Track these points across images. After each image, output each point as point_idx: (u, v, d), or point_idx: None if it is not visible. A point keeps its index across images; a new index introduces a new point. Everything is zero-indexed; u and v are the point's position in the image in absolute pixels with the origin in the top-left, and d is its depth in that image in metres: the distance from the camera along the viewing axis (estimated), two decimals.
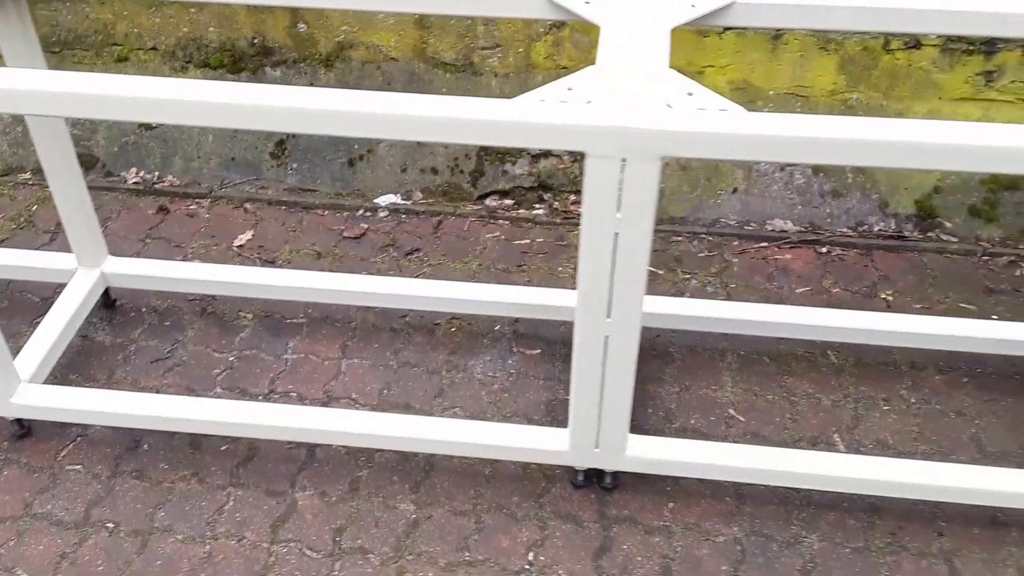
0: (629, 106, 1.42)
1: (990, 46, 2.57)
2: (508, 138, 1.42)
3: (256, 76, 2.92)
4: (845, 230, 2.65)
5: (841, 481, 1.86)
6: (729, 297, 2.46)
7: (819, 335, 2.23)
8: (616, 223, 1.51)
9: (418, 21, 2.79)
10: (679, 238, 2.66)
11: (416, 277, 2.52)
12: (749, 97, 2.72)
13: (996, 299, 2.43)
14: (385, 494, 1.98)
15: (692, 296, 2.46)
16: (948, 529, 1.90)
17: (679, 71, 1.50)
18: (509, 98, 1.43)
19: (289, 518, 1.92)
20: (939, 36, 2.57)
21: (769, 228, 2.67)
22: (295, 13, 2.84)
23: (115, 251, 2.53)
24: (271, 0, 1.89)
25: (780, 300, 2.44)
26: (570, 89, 1.46)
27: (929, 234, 2.63)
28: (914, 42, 2.59)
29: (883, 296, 2.45)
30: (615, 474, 1.98)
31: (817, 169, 2.71)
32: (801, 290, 2.48)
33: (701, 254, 2.61)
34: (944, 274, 2.51)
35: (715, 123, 1.39)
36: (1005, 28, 1.69)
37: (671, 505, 1.96)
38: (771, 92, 2.72)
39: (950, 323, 2.20)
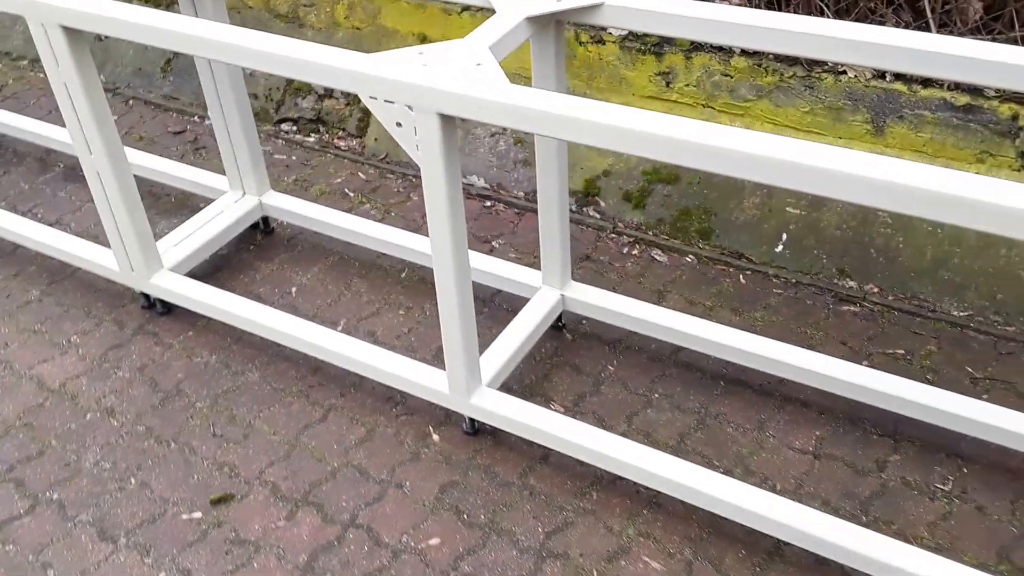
0: None
1: (659, 48, 2.85)
2: None
3: (171, 8, 3.82)
4: (520, 194, 3.04)
5: (289, 338, 2.37)
6: (381, 220, 2.96)
7: (399, 253, 2.68)
8: (59, 75, 2.18)
9: None
10: (390, 176, 3.19)
11: (179, 161, 3.25)
12: None
13: (584, 264, 2.73)
14: (23, 279, 2.77)
15: (355, 215, 2.98)
16: (358, 388, 2.34)
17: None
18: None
19: None
20: (610, 33, 2.90)
21: (464, 181, 3.12)
22: None
23: (25, 113, 3.54)
24: None
25: (415, 229, 2.90)
26: None
27: (585, 209, 2.95)
28: (599, 37, 2.93)
29: (491, 243, 2.84)
30: (166, 304, 2.61)
31: (518, 140, 3.11)
32: None
33: (394, 188, 3.12)
34: None
35: None
36: None
37: (190, 334, 2.56)
38: (504, 71, 3.16)
39: (485, 260, 2.56)
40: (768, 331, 2.46)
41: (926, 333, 2.42)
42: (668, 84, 2.89)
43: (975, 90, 2.49)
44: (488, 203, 3.02)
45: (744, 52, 2.76)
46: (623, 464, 1.99)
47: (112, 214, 2.42)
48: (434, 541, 1.99)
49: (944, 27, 2.61)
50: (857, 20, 2.68)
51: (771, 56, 2.73)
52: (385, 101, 1.76)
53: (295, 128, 3.46)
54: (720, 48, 2.80)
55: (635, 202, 2.90)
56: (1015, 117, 2.45)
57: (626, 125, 1.51)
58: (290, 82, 3.49)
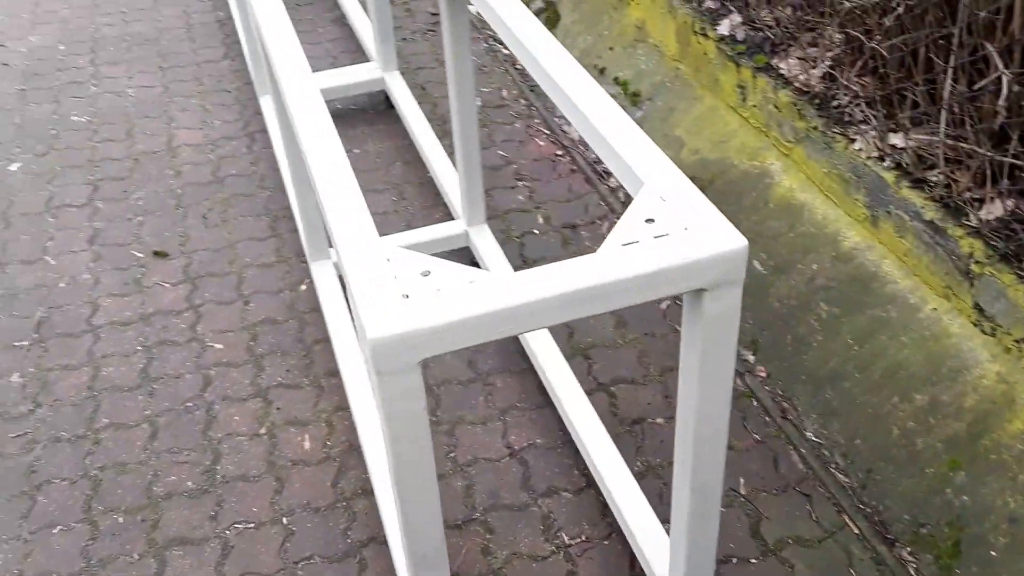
0: None
1: (739, 57, 2.78)
2: None
3: None
4: None
5: None
6: None
7: None
8: None
9: None
10: None
11: None
12: None
13: None
14: None
15: None
16: None
17: None
18: None
19: None
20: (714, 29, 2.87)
21: None
22: None
23: None
24: None
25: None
26: None
27: None
28: (704, 30, 2.93)
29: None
30: None
31: None
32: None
33: None
34: None
35: None
36: None
37: None
38: None
39: None
40: None
41: None
42: (744, 99, 2.81)
43: (945, 204, 2.12)
44: None
45: (788, 85, 2.59)
46: None
47: None
48: None
49: None
50: None
51: (804, 96, 2.53)
52: None
53: None
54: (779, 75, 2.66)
55: None
56: (971, 255, 2.06)
57: None
58: None
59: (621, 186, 3.04)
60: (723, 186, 2.81)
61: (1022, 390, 1.99)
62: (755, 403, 2.29)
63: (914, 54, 2.34)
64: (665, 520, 2.01)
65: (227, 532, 2.08)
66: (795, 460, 2.14)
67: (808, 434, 2.20)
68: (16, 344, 2.60)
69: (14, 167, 3.34)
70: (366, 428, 2.13)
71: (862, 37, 2.45)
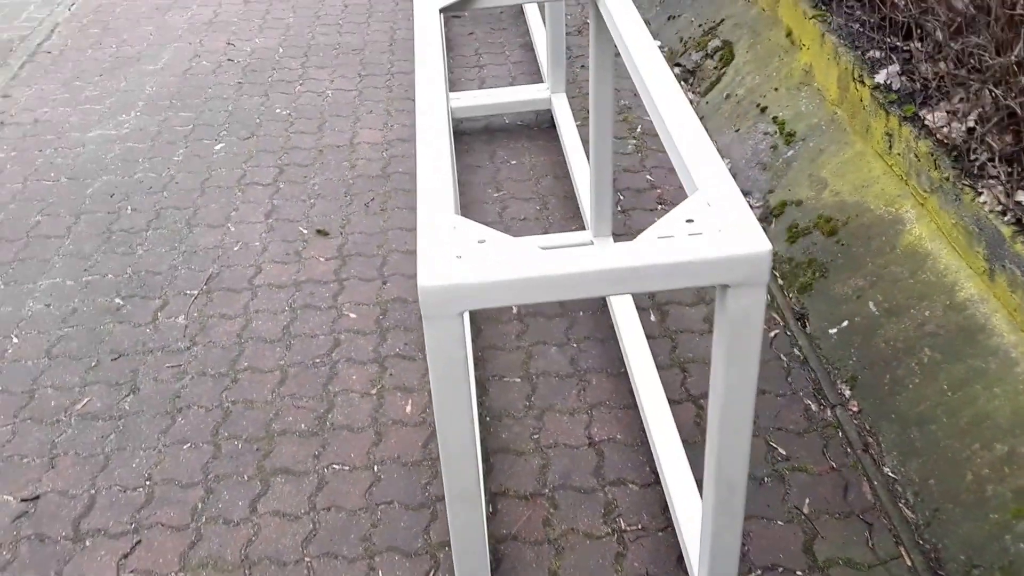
0: None
1: (889, 106, 2.85)
2: None
3: None
4: None
5: None
6: None
7: None
8: None
9: None
10: None
11: None
12: None
13: None
14: None
15: None
16: None
17: None
18: None
19: None
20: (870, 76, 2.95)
21: None
22: None
23: None
24: None
25: None
26: None
27: None
28: (862, 77, 3.01)
29: None
30: None
31: None
32: None
33: None
34: None
35: None
36: None
37: None
38: None
39: None
40: None
41: None
42: (890, 147, 2.88)
43: None
44: None
45: (930, 135, 2.64)
46: None
47: None
48: None
49: None
50: None
51: (944, 147, 2.57)
52: None
53: None
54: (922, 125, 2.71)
55: None
56: None
57: None
58: None
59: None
60: (856, 228, 2.87)
61: None
62: (840, 434, 2.35)
63: None
64: None
65: (325, 470, 2.37)
66: (865, 491, 2.19)
67: (885, 469, 2.23)
68: (188, 292, 3.03)
69: (219, 147, 3.85)
70: None
71: (999, 94, 2.47)
